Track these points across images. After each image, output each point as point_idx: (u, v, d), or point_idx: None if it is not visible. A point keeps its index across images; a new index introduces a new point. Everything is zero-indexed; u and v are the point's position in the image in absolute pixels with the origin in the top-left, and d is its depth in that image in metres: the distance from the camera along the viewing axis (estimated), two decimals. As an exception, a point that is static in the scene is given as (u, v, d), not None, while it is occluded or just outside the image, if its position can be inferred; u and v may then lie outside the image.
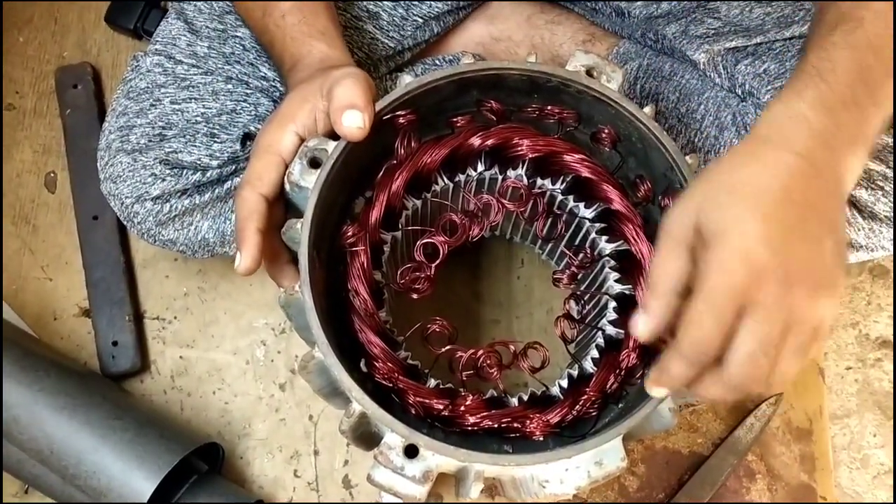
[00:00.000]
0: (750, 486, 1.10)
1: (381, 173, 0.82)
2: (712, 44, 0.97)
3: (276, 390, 1.13)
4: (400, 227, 0.86)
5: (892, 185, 0.88)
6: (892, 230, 0.89)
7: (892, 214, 0.89)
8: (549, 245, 1.06)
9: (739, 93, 0.96)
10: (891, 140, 0.87)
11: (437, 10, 1.07)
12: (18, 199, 1.22)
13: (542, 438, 0.78)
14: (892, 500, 1.25)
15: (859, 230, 0.90)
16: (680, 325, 0.60)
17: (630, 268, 0.84)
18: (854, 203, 0.89)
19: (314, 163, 0.78)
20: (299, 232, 0.76)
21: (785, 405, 1.12)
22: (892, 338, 1.33)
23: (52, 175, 1.23)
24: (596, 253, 0.88)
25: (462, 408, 0.77)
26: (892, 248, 0.91)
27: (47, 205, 1.21)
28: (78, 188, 1.19)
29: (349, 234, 0.79)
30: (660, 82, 1.04)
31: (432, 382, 0.81)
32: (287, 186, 0.79)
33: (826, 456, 1.11)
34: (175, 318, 1.16)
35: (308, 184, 0.77)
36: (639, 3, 1.03)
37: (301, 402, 1.13)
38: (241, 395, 1.13)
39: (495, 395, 0.81)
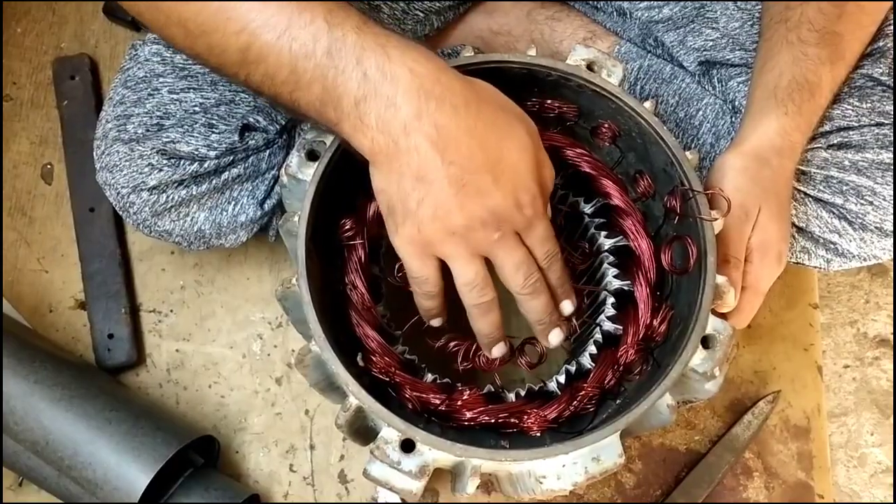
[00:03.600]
0: (747, 483, 1.10)
1: (379, 166, 0.81)
2: (708, 57, 0.98)
3: (273, 384, 1.13)
4: (398, 220, 0.85)
5: (880, 199, 0.89)
6: (883, 239, 0.91)
7: (884, 225, 0.90)
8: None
9: (730, 107, 0.98)
10: (875, 157, 0.89)
11: (438, 4, 1.07)
12: (15, 190, 1.21)
13: (539, 434, 0.77)
14: (890, 500, 1.25)
15: (851, 241, 0.91)
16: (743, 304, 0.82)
17: (629, 264, 0.83)
18: (844, 215, 0.90)
19: (312, 155, 0.77)
20: (297, 225, 0.76)
21: (783, 403, 1.12)
22: (890, 336, 1.33)
23: (48, 167, 1.22)
24: (595, 248, 0.88)
25: (459, 402, 0.77)
26: (883, 257, 0.93)
27: (44, 196, 1.21)
28: (75, 180, 1.18)
29: (347, 227, 0.79)
30: (660, 84, 1.04)
31: (429, 377, 0.80)
32: (285, 179, 0.79)
33: (824, 454, 1.11)
34: (171, 311, 1.16)
35: (306, 176, 0.77)
36: (641, 4, 1.03)
37: (297, 397, 1.12)
38: (237, 388, 1.13)
39: (492, 390, 0.81)
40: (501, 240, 0.71)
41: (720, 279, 0.76)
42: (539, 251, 0.74)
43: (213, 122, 0.93)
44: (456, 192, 0.68)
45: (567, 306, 0.78)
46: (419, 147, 0.67)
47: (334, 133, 0.73)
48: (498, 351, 0.78)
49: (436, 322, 0.78)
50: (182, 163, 0.93)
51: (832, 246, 0.92)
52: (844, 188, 0.89)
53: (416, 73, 0.67)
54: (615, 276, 0.85)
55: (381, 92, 0.67)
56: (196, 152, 0.92)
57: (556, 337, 0.78)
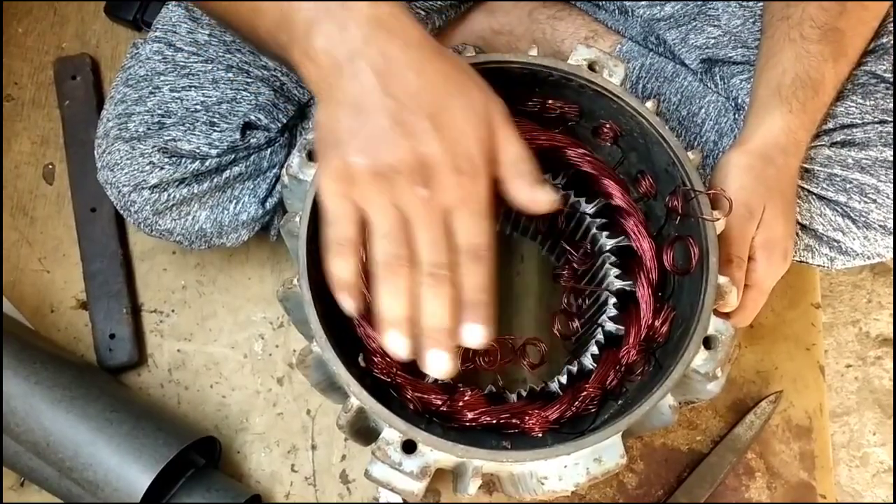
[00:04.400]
0: (749, 484, 1.10)
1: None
2: (710, 55, 0.98)
3: (274, 384, 1.13)
4: (399, 220, 0.85)
5: (884, 197, 0.89)
6: (886, 237, 0.91)
7: (887, 223, 0.90)
8: (550, 241, 1.05)
9: (733, 105, 0.98)
10: (879, 154, 0.88)
11: (439, 3, 1.07)
12: (16, 190, 1.21)
13: (540, 434, 0.77)
14: (891, 499, 1.25)
15: (854, 239, 0.91)
16: (747, 303, 0.83)
17: (631, 264, 0.83)
18: (848, 213, 0.90)
19: (313, 156, 0.77)
20: (298, 225, 0.75)
21: (785, 403, 1.12)
22: (892, 336, 1.32)
23: (50, 167, 1.22)
24: (596, 248, 0.87)
25: (461, 403, 0.77)
26: (887, 255, 0.93)
27: (45, 196, 1.21)
28: (76, 180, 1.18)
29: (348, 227, 0.79)
30: (662, 83, 1.03)
31: (430, 377, 0.80)
32: (286, 179, 0.79)
33: (826, 454, 1.11)
34: (173, 311, 1.16)
35: (307, 177, 0.77)
36: (643, 2, 1.03)
37: (299, 397, 1.12)
38: (239, 389, 1.13)
39: (494, 390, 0.81)
40: (426, 204, 0.63)
41: (722, 279, 0.76)
42: (463, 238, 0.64)
43: (215, 120, 0.93)
44: (391, 127, 0.63)
45: (473, 332, 0.63)
46: (362, 73, 0.64)
47: (286, 64, 0.70)
48: (398, 346, 0.64)
49: (346, 303, 0.65)
50: (183, 161, 0.93)
51: (836, 244, 0.92)
52: (848, 186, 0.89)
53: (374, 5, 0.65)
54: (617, 277, 0.85)
55: (334, 14, 0.65)
56: (197, 150, 0.92)
57: (434, 363, 0.63)
